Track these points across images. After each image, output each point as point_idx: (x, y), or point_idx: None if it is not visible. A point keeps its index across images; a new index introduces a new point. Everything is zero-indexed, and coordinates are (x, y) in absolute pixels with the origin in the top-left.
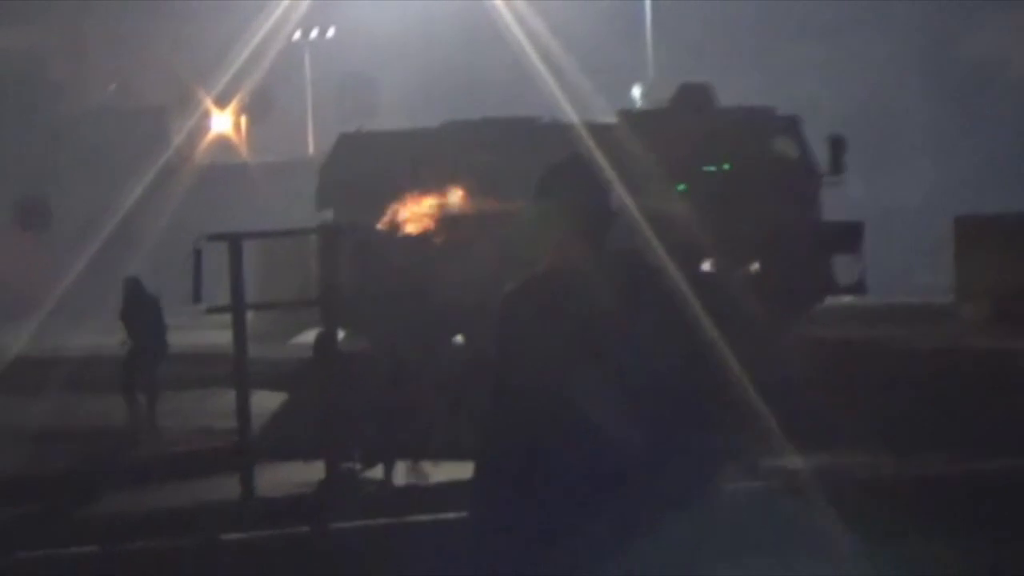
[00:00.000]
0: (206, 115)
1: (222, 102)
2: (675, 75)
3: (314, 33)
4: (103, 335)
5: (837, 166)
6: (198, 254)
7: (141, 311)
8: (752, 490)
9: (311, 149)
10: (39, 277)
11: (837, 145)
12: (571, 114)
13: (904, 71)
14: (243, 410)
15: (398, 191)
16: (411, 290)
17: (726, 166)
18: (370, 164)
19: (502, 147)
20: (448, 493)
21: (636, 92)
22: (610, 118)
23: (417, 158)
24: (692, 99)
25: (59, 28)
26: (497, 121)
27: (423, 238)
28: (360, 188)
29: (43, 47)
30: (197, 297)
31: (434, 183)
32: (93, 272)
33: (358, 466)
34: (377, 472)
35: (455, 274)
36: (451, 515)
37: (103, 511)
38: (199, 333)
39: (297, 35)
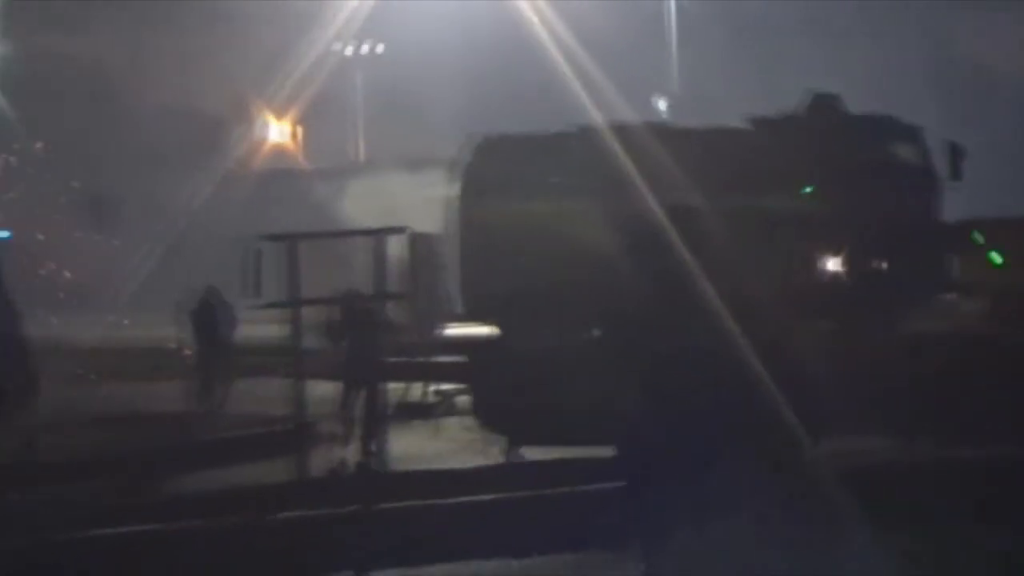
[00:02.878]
0: (263, 124)
1: (278, 112)
2: (695, 84)
3: (365, 48)
4: (166, 328)
5: (956, 172)
6: (257, 254)
7: (216, 314)
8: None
9: (361, 156)
10: (105, 273)
11: (956, 152)
12: (600, 122)
13: (914, 73)
14: (299, 397)
15: (542, 191)
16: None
17: (808, 188)
18: (512, 166)
19: (639, 151)
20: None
21: (661, 104)
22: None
23: (558, 160)
24: (824, 107)
25: (122, 38)
26: (633, 126)
27: (569, 236)
28: (505, 189)
29: (107, 56)
30: (257, 293)
31: (576, 184)
32: (158, 270)
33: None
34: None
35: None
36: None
37: (167, 491)
38: (261, 327)
39: (353, 53)
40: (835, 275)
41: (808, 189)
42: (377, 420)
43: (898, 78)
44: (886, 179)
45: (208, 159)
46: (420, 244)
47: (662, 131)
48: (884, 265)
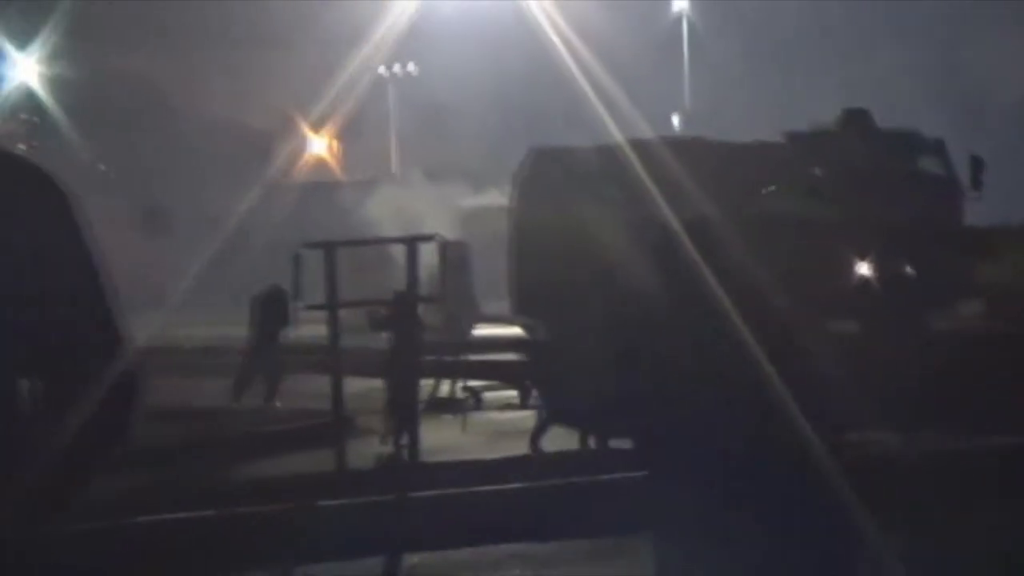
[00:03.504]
0: (304, 139)
1: (318, 127)
2: (707, 101)
3: (401, 69)
4: (214, 328)
5: (977, 182)
6: (298, 260)
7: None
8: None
9: (394, 168)
10: (160, 277)
11: (977, 164)
12: (619, 137)
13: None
14: (337, 393)
15: (593, 201)
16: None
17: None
18: (565, 176)
19: (678, 163)
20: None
21: (675, 120)
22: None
23: (608, 171)
24: (856, 122)
25: (176, 58)
26: (672, 140)
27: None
28: (559, 198)
29: (162, 75)
30: (298, 297)
31: (623, 194)
32: (207, 274)
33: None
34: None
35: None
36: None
37: (216, 480)
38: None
39: (388, 72)
40: (865, 280)
41: (839, 199)
42: (411, 414)
43: (910, 92)
44: (912, 189)
45: (254, 171)
46: (449, 251)
47: (700, 144)
48: (911, 270)
